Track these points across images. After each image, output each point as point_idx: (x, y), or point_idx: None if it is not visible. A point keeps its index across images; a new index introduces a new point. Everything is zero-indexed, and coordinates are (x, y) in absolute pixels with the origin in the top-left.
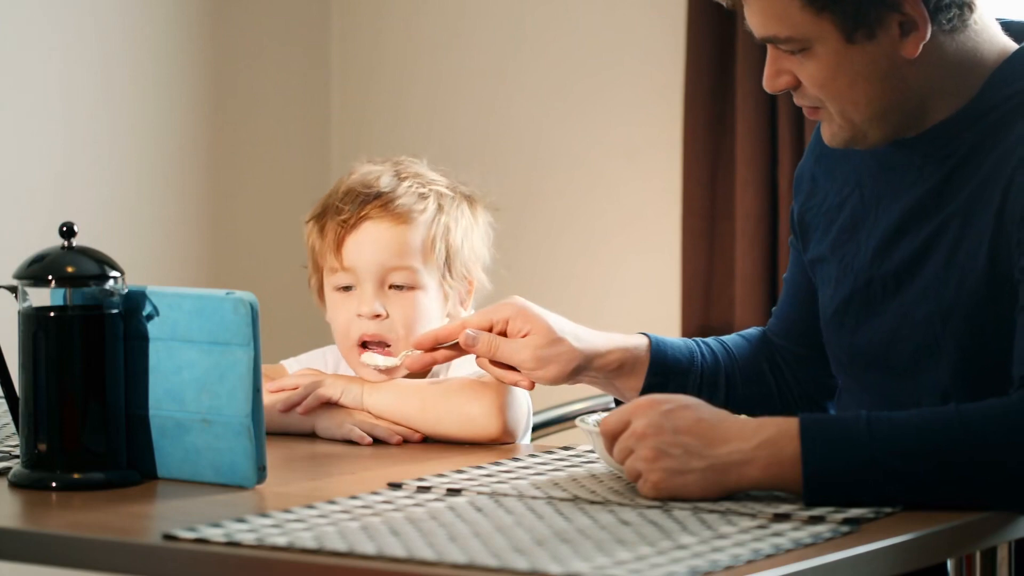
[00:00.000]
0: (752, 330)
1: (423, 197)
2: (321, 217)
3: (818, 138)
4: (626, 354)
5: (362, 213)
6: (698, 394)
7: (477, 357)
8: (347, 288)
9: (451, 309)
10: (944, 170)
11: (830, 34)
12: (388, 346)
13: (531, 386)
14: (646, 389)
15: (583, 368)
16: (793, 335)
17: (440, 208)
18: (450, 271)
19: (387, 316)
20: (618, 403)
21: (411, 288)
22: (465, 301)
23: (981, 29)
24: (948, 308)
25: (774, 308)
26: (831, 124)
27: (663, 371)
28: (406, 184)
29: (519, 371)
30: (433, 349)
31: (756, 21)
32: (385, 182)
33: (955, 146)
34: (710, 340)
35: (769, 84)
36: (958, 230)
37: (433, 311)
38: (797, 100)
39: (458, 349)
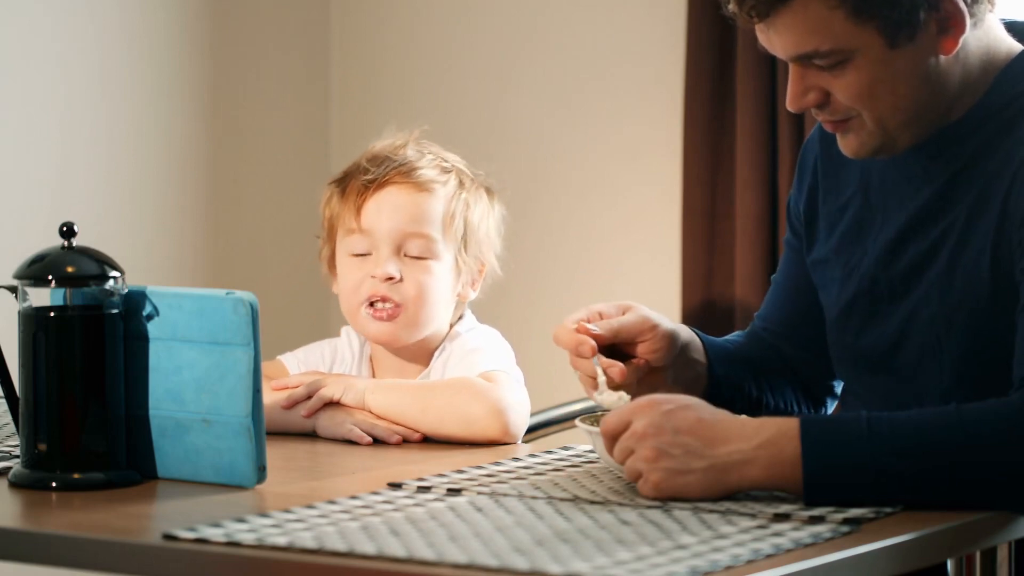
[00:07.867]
0: (734, 335)
1: (446, 171)
2: (344, 180)
3: (822, 135)
4: (686, 333)
5: (386, 177)
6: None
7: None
8: (362, 256)
9: (461, 289)
10: (948, 173)
11: (873, 41)
12: (397, 307)
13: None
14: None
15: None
16: (795, 336)
17: (461, 184)
18: (466, 248)
19: (400, 280)
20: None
21: (426, 258)
22: (476, 282)
23: (989, 28)
24: (952, 310)
25: (760, 311)
26: (860, 134)
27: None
28: (429, 157)
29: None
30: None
31: (789, 39)
32: (411, 152)
33: (960, 148)
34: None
35: (796, 103)
36: (962, 233)
37: (445, 283)
38: (822, 116)
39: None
